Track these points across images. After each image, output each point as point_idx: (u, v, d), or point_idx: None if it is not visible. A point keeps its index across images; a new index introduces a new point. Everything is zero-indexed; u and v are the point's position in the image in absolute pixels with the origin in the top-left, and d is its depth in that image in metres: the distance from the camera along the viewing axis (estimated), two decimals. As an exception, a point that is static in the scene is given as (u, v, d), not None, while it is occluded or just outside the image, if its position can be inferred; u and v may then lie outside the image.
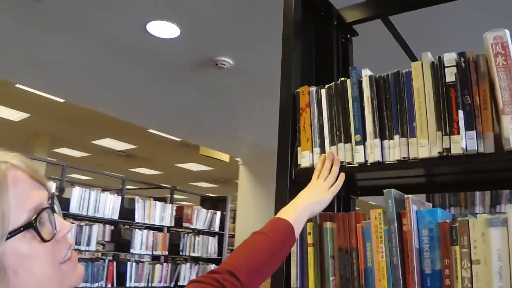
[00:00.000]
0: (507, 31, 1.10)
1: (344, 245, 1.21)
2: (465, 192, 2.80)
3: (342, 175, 1.22)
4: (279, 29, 1.54)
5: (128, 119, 6.92)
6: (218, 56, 3.99)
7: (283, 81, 1.48)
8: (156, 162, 12.78)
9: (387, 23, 1.78)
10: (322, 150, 1.33)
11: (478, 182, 1.44)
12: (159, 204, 6.28)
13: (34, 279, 0.67)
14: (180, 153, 10.92)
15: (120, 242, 5.77)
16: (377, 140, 1.22)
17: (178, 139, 9.05)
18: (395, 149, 1.19)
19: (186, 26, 3.55)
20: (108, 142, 10.47)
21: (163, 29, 3.61)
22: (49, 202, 0.72)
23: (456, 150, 1.08)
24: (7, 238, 0.63)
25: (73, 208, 5.12)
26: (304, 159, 1.35)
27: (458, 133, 1.08)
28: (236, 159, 8.53)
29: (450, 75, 1.12)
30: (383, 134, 1.22)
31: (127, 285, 5.54)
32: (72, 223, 5.11)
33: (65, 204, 5.12)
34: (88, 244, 5.20)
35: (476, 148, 1.06)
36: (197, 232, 6.87)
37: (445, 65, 1.14)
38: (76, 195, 5.16)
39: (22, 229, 0.65)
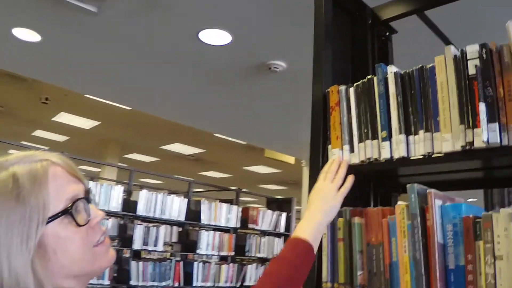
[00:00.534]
0: (530, 20, 1.07)
1: (372, 240, 1.23)
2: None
3: (351, 177, 1.24)
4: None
5: (192, 125, 7.15)
6: (270, 60, 4.05)
7: (315, 81, 1.51)
8: (224, 165, 13.05)
9: (424, 18, 1.75)
10: (351, 148, 1.35)
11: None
12: (224, 205, 6.43)
13: (70, 258, 0.78)
14: (246, 156, 11.09)
15: (187, 243, 5.98)
16: (403, 136, 1.22)
17: (244, 143, 9.21)
18: (419, 144, 1.19)
19: (237, 32, 3.65)
20: (176, 147, 10.83)
21: (215, 37, 3.73)
22: (85, 194, 0.84)
23: (478, 143, 1.06)
24: (47, 222, 0.75)
25: (140, 210, 5.38)
26: (334, 156, 1.38)
27: (481, 126, 1.06)
28: (301, 161, 8.55)
29: (472, 68, 1.11)
30: (408, 129, 1.23)
31: (194, 284, 5.70)
32: (139, 224, 5.38)
33: (133, 206, 5.39)
34: (155, 245, 5.44)
35: (498, 141, 1.04)
36: (263, 233, 6.96)
37: (468, 57, 1.13)
38: (143, 197, 5.42)
39: (60, 214, 0.77)
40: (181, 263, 5.69)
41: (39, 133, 10.90)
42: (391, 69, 1.29)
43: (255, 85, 4.82)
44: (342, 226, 1.30)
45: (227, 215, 6.41)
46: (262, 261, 6.80)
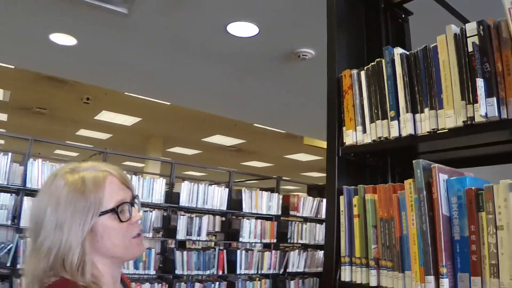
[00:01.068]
0: (527, -6, 1.09)
1: (384, 215, 1.29)
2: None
3: None
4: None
5: (230, 116, 7.28)
6: (298, 48, 4.10)
7: (329, 66, 1.58)
8: (265, 155, 13.17)
9: (438, -2, 1.77)
10: (364, 128, 1.41)
11: None
12: (265, 194, 6.51)
13: (112, 243, 1.09)
14: (286, 144, 11.15)
15: (229, 232, 6.12)
16: (409, 115, 1.27)
17: (283, 131, 9.28)
18: (425, 122, 1.24)
19: (263, 23, 3.72)
20: (217, 139, 11.02)
21: (243, 29, 3.82)
22: (131, 199, 1.14)
23: (478, 118, 1.11)
24: (100, 215, 1.06)
25: (183, 201, 5.56)
26: (348, 137, 1.45)
27: (479, 101, 1.10)
28: (341, 146, 8.53)
29: (471, 45, 1.15)
30: (414, 108, 1.28)
31: (237, 272, 5.82)
32: (183, 215, 5.56)
33: (175, 198, 5.57)
34: (199, 234, 5.59)
35: (496, 115, 1.08)
36: (304, 219, 7.02)
37: (467, 35, 1.16)
38: (185, 189, 5.59)
39: (109, 211, 1.08)
40: (225, 251, 5.81)
41: (82, 132, 11.36)
42: (397, 51, 1.34)
43: (286, 74, 4.88)
44: (357, 203, 1.37)
45: (268, 203, 6.49)
46: (305, 247, 6.87)
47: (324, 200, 7.20)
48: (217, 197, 5.93)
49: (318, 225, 6.99)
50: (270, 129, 9.04)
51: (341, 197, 1.41)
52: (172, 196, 5.60)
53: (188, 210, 5.89)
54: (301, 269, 6.44)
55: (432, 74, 1.24)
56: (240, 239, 6.01)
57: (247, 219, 6.22)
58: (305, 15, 3.53)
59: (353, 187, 1.39)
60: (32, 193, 4.67)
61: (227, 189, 6.12)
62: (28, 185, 4.62)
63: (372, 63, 1.41)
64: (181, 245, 6.24)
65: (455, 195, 1.13)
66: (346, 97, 1.48)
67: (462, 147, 1.40)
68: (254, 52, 4.32)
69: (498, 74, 1.10)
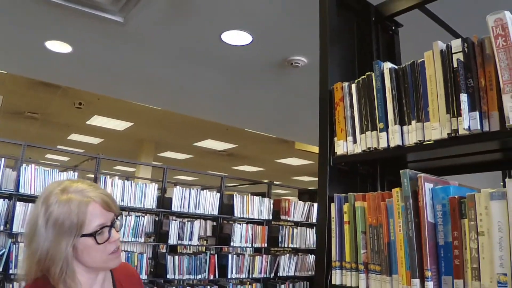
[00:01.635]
0: (507, 13, 1.16)
1: (373, 222, 1.35)
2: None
3: None
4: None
5: (222, 121, 7.34)
6: (291, 56, 4.18)
7: (321, 78, 1.65)
8: (256, 159, 13.23)
9: (427, 12, 1.85)
10: (354, 139, 1.48)
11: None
12: (256, 198, 6.55)
13: (91, 259, 1.28)
14: (278, 149, 11.23)
15: (221, 236, 6.16)
16: (397, 126, 1.34)
17: (274, 136, 9.36)
18: (412, 133, 1.31)
19: (257, 32, 3.79)
20: (209, 143, 11.06)
21: (237, 38, 3.89)
22: (112, 221, 1.30)
23: (462, 131, 1.18)
24: (81, 236, 1.23)
25: (175, 206, 5.60)
26: (339, 147, 1.51)
27: (463, 115, 1.17)
28: (331, 151, 8.62)
29: (456, 61, 1.22)
30: (402, 120, 1.34)
31: (229, 276, 5.86)
32: (174, 220, 5.61)
33: (167, 203, 5.61)
34: (190, 239, 5.63)
35: (478, 128, 1.15)
36: (295, 224, 7.07)
37: (453, 51, 1.24)
38: (177, 194, 5.63)
39: (88, 234, 1.24)
40: (216, 256, 5.85)
41: (74, 136, 11.35)
42: (387, 66, 1.41)
43: (279, 81, 4.96)
44: (347, 210, 1.43)
45: (259, 207, 6.54)
46: (295, 251, 6.93)
47: (315, 205, 7.30)
48: (208, 202, 5.97)
49: (308, 229, 7.04)
50: (261, 133, 9.11)
51: (332, 205, 1.48)
52: (164, 201, 5.64)
53: (180, 215, 5.93)
54: (291, 273, 6.49)
55: (419, 88, 1.31)
56: (231, 244, 6.05)
57: (238, 223, 6.26)
58: (298, 24, 3.61)
59: (343, 194, 1.46)
60: (25, 198, 4.69)
61: (218, 194, 6.17)
62: (21, 190, 4.62)
63: (363, 77, 1.48)
64: (173, 249, 6.26)
65: (440, 203, 1.20)
66: (337, 109, 1.55)
67: (448, 156, 1.47)
68: (248, 60, 4.39)
69: (481, 89, 1.17)
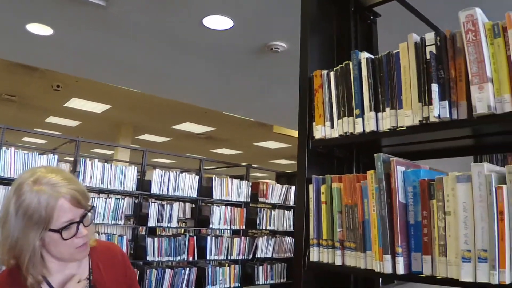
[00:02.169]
0: (477, 10, 1.24)
1: (349, 202, 1.44)
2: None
3: None
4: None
5: (201, 105, 7.37)
6: (271, 41, 4.24)
7: (301, 66, 1.71)
8: (235, 142, 13.30)
9: (403, 3, 1.92)
10: (332, 124, 1.56)
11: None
12: (235, 181, 6.62)
13: (58, 251, 1.32)
14: (256, 132, 11.31)
15: (200, 219, 6.23)
16: (372, 113, 1.43)
17: (253, 120, 9.42)
18: (386, 120, 1.39)
19: (237, 17, 3.84)
20: (187, 126, 11.07)
21: (218, 22, 3.94)
22: (82, 217, 1.32)
23: (432, 118, 1.26)
24: (48, 230, 1.26)
25: (154, 189, 5.64)
26: (318, 132, 1.59)
27: (433, 103, 1.26)
28: (309, 135, 8.73)
29: (428, 53, 1.30)
30: (377, 107, 1.43)
31: (208, 258, 5.95)
32: (154, 202, 5.66)
33: (147, 185, 5.65)
34: (169, 221, 5.69)
35: (447, 116, 1.24)
36: (273, 206, 7.18)
37: (426, 44, 1.32)
38: (156, 176, 5.67)
39: (55, 230, 1.27)
40: (195, 238, 5.93)
41: (52, 119, 11.23)
42: (364, 55, 1.49)
43: (259, 66, 5.02)
44: (324, 191, 1.52)
45: (238, 190, 6.62)
46: (273, 233, 7.05)
47: (293, 187, 7.41)
48: (187, 184, 6.02)
49: (286, 211, 7.15)
50: (240, 117, 9.16)
51: (310, 186, 1.56)
52: (143, 184, 5.68)
53: (159, 197, 5.97)
54: (269, 255, 6.61)
55: (394, 77, 1.39)
56: (210, 226, 6.12)
57: (217, 206, 6.34)
58: (278, 10, 3.66)
59: (321, 176, 1.54)
60: (3, 181, 4.67)
61: (197, 177, 6.22)
62: (1, 174, 4.61)
63: (341, 65, 1.55)
64: (152, 232, 6.32)
65: (411, 185, 1.29)
66: (316, 95, 1.62)
67: (423, 142, 1.56)
68: (229, 45, 4.44)
69: (452, 80, 1.26)
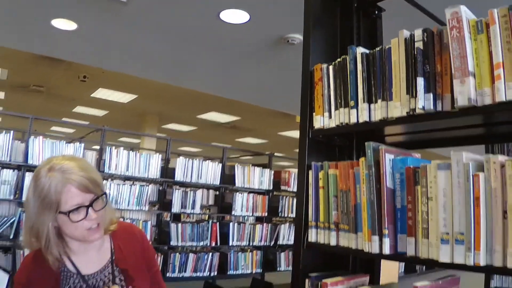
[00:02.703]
0: (462, 7, 1.32)
1: (343, 187, 1.55)
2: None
3: None
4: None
5: (224, 96, 7.51)
6: (287, 34, 4.34)
7: (304, 59, 1.81)
8: (260, 132, 13.40)
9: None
10: (330, 115, 1.66)
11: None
12: (257, 169, 6.76)
13: (69, 232, 1.44)
14: (280, 122, 11.38)
15: (222, 205, 6.41)
16: (365, 104, 1.52)
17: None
18: (378, 111, 1.49)
19: (254, 10, 3.94)
20: (213, 116, 11.21)
21: (235, 16, 4.06)
22: (92, 201, 1.42)
23: (418, 110, 1.35)
24: (59, 213, 1.39)
25: (178, 176, 5.83)
26: (317, 122, 1.70)
27: (418, 96, 1.35)
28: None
29: (416, 49, 1.39)
30: (370, 99, 1.52)
31: (230, 244, 6.14)
32: (178, 189, 5.84)
33: (171, 173, 5.84)
34: (193, 208, 5.88)
35: (432, 108, 1.33)
36: (295, 194, 7.25)
37: (415, 40, 1.40)
38: (180, 164, 5.86)
39: (64, 213, 1.38)
40: (218, 224, 6.11)
41: (79, 109, 11.53)
42: (359, 50, 1.58)
43: (276, 57, 5.11)
44: (322, 177, 1.63)
45: (260, 178, 6.75)
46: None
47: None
48: (211, 172, 6.19)
49: (307, 200, 7.21)
50: (263, 107, 9.26)
51: (310, 172, 1.67)
52: (167, 171, 5.86)
53: (183, 184, 6.15)
54: (291, 242, 6.72)
55: (386, 71, 1.48)
56: (233, 213, 6.28)
57: (240, 193, 6.48)
58: (293, 2, 3.73)
59: (319, 163, 1.65)
60: (32, 169, 4.90)
61: (220, 165, 6.37)
62: (30, 162, 4.85)
63: (339, 60, 1.65)
64: (176, 218, 6.52)
65: (399, 172, 1.39)
66: (316, 88, 1.73)
67: (427, 131, 1.65)
68: (246, 38, 4.56)
69: (437, 74, 1.34)
